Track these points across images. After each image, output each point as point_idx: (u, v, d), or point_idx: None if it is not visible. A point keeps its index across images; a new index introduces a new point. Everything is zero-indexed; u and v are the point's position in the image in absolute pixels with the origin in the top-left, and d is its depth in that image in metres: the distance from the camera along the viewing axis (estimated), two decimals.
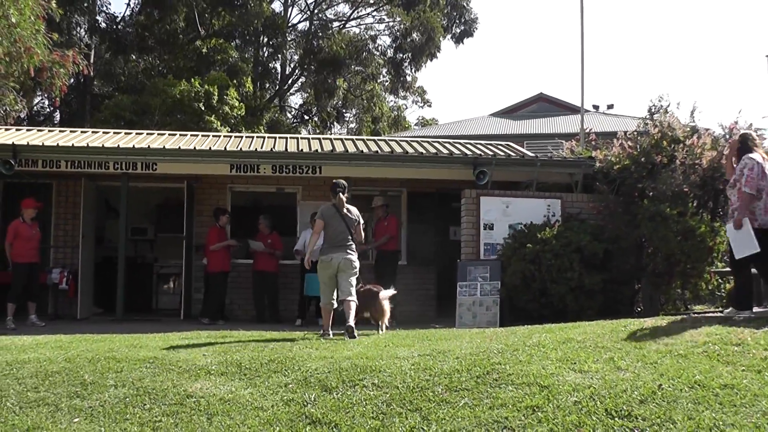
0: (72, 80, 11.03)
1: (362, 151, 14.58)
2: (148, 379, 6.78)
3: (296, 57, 40.53)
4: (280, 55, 40.09)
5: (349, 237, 10.21)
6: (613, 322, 8.64)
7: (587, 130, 17.48)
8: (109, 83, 37.76)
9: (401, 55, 39.71)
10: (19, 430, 5.85)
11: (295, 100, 44.80)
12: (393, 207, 15.17)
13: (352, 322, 9.70)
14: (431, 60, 39.20)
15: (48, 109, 38.05)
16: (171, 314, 15.82)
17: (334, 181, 10.48)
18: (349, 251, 10.12)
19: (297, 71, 41.00)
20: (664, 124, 13.38)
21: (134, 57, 37.49)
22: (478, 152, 15.00)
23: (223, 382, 6.61)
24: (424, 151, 14.82)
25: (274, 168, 14.01)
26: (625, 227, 12.76)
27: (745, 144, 8.89)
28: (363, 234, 10.85)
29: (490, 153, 15.10)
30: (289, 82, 41.59)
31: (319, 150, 14.50)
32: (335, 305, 10.20)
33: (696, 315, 10.25)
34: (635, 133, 14.02)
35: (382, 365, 6.80)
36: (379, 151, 14.74)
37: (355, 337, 9.26)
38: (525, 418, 5.34)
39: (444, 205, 15.41)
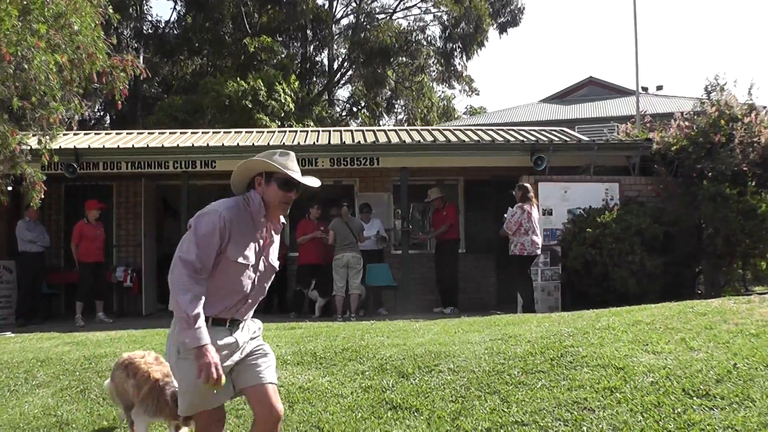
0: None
1: (419, 141, 14.63)
2: None
3: (343, 51, 40.64)
4: (327, 49, 40.24)
5: (355, 241, 13.50)
6: (679, 304, 8.62)
7: (642, 112, 17.31)
8: (157, 85, 38.21)
9: (451, 45, 39.50)
10: (105, 420, 6.07)
11: (344, 93, 44.96)
12: (450, 196, 15.21)
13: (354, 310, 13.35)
14: (480, 48, 38.97)
15: (99, 113, 38.66)
16: None
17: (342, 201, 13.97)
18: (354, 251, 13.44)
19: (345, 64, 41.09)
20: (721, 103, 13.24)
21: (182, 59, 37.88)
22: (534, 139, 14.96)
23: (300, 371, 6.75)
24: (479, 140, 14.80)
25: (332, 161, 14.14)
26: (685, 209, 12.68)
27: (524, 195, 12.17)
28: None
29: (546, 139, 15.04)
30: (338, 75, 41.72)
31: (376, 141, 14.59)
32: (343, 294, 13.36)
33: (760, 295, 10.16)
34: (691, 113, 13.88)
35: (456, 350, 6.89)
36: (436, 140, 14.78)
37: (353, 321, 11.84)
38: (604, 399, 5.40)
39: (501, 192, 15.36)
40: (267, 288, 4.25)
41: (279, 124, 28.08)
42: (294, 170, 4.05)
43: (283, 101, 29.47)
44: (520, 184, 12.55)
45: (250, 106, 27.73)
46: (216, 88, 28.35)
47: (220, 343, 3.92)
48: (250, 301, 4.11)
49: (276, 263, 4.25)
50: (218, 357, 3.78)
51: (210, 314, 3.92)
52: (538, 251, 12.23)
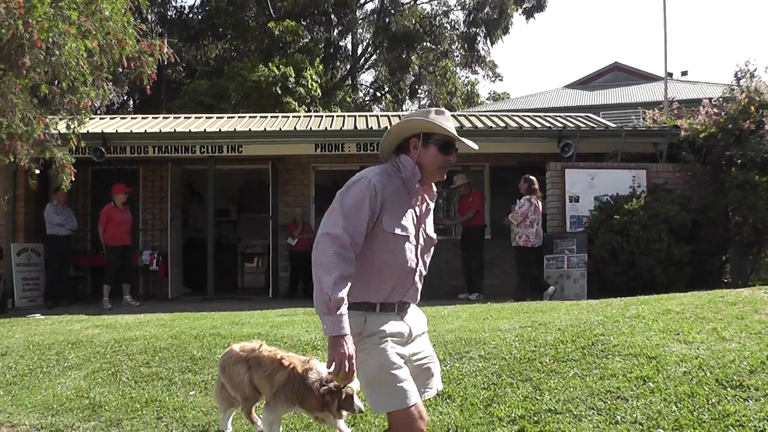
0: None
1: None
2: None
3: (367, 36, 40.59)
4: (350, 34, 40.19)
5: None
6: (709, 293, 8.58)
7: (670, 99, 17.17)
8: (181, 70, 38.29)
9: (474, 30, 39.28)
10: (138, 403, 6.12)
11: (367, 78, 44.84)
12: (476, 182, 15.19)
13: None
14: (505, 34, 38.70)
15: (124, 98, 38.81)
16: (258, 293, 16.13)
17: None
18: None
19: (369, 49, 41.03)
20: (751, 89, 13.10)
21: (205, 44, 37.94)
22: (561, 125, 14.90)
23: None
24: (506, 126, 14.76)
25: (359, 146, 14.16)
26: (713, 196, 12.58)
27: (530, 187, 12.59)
28: None
29: (573, 125, 14.97)
30: (361, 61, 41.67)
31: None
32: None
33: None
34: (720, 99, 13.76)
35: (486, 337, 6.89)
36: (463, 126, 14.74)
37: None
38: (637, 389, 5.38)
39: None
40: (428, 264, 3.80)
41: (306, 109, 28.13)
42: (453, 130, 3.63)
43: (310, 87, 29.51)
44: (525, 177, 12.83)
45: (279, 92, 27.79)
46: (242, 73, 28.39)
47: (390, 330, 3.54)
48: (416, 278, 3.68)
49: (434, 235, 3.82)
50: (354, 350, 3.34)
51: (378, 299, 3.55)
52: (541, 243, 12.72)
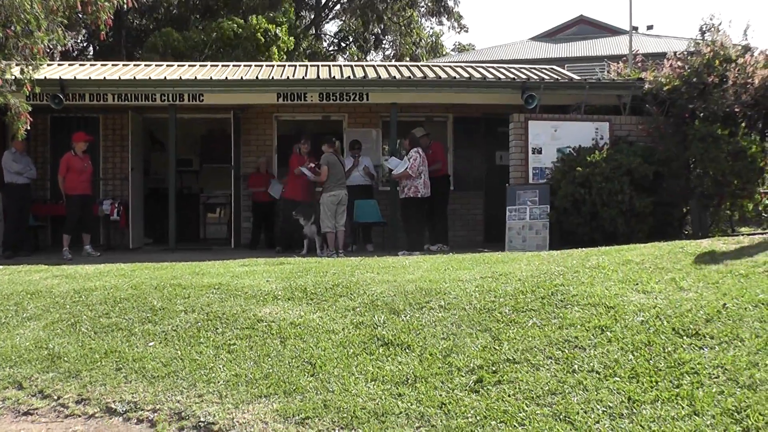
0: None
1: (409, 77, 14.50)
2: (217, 304, 6.93)
3: None
4: None
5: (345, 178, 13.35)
6: (669, 244, 8.65)
7: (635, 52, 17.17)
8: (140, 16, 37.46)
9: None
10: (97, 354, 6.02)
11: (331, 28, 44.33)
12: (439, 133, 15.18)
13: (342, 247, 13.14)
14: None
15: (83, 44, 37.94)
16: (220, 243, 16.07)
17: (327, 136, 13.67)
18: (345, 189, 13.21)
19: None
20: (716, 44, 13.13)
21: None
22: (525, 77, 14.87)
23: (291, 306, 6.74)
24: (470, 77, 14.69)
25: (321, 96, 13.98)
26: (675, 148, 12.66)
27: (414, 141, 13.27)
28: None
29: (537, 77, 14.94)
30: (326, 10, 41.16)
31: (366, 76, 14.46)
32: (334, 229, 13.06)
33: (749, 236, 10.20)
34: (685, 53, 13.78)
35: (447, 288, 6.89)
36: (426, 76, 14.66)
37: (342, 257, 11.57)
38: (594, 338, 5.41)
39: (490, 130, 15.37)
40: None
41: (283, 58, 28.00)
42: None
43: (284, 38, 29.33)
44: (410, 133, 13.57)
45: (263, 40, 27.61)
46: (216, 27, 28.06)
47: None
48: None
49: None
50: None
51: None
52: (429, 193, 13.24)
